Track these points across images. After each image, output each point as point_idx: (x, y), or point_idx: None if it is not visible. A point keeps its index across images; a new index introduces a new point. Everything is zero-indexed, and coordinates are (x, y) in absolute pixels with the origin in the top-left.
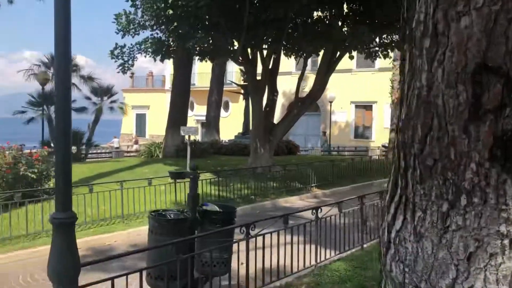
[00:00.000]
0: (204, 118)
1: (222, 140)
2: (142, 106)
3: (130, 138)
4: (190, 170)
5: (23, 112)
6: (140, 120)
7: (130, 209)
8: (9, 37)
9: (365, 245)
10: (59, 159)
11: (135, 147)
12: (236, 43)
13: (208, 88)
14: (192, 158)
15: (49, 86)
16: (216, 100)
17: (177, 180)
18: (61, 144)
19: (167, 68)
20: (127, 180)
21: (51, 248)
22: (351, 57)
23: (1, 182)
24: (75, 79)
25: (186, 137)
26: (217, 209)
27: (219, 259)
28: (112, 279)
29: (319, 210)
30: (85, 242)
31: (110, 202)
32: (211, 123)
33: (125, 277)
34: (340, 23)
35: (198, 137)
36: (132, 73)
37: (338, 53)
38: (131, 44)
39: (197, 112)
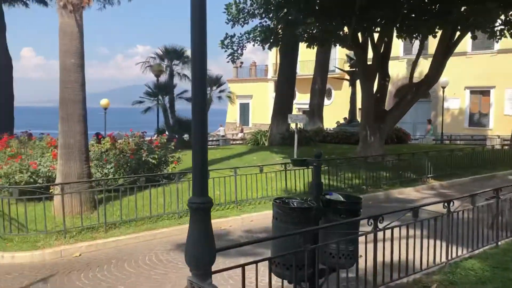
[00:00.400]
0: (305, 106)
1: (327, 128)
2: (246, 95)
3: (235, 127)
4: (314, 158)
5: (140, 102)
6: (244, 109)
7: (243, 195)
8: (125, 33)
9: (500, 243)
10: (196, 147)
11: (240, 135)
12: (346, 28)
13: (310, 76)
14: (298, 146)
15: (163, 78)
16: (319, 87)
17: (287, 168)
18: (199, 134)
19: (270, 57)
20: (239, 167)
21: (189, 233)
22: (474, 37)
23: (125, 167)
24: (186, 71)
25: (292, 125)
26: (341, 199)
27: (346, 251)
28: (242, 266)
29: (451, 203)
30: None
31: (225, 188)
32: (315, 111)
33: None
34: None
35: (300, 125)
36: (241, 62)
37: (458, 33)
38: (240, 34)
39: (299, 100)
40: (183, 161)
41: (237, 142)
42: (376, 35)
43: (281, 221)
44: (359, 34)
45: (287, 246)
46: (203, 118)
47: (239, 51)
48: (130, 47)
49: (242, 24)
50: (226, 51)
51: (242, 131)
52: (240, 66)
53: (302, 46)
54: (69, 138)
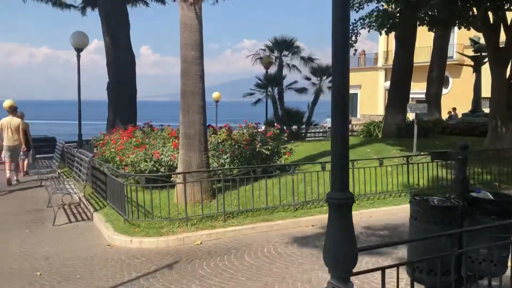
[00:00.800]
0: (419, 96)
1: (447, 119)
2: (354, 85)
3: None
4: (458, 149)
5: (251, 94)
6: (352, 99)
7: (361, 189)
8: (232, 29)
9: None
10: (337, 137)
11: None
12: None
13: (425, 64)
14: (416, 138)
15: (272, 69)
16: (437, 75)
17: (409, 162)
18: (339, 123)
19: (380, 45)
20: (355, 159)
21: (328, 231)
22: None
23: (240, 157)
24: (295, 61)
25: (409, 115)
26: (491, 197)
27: (497, 257)
28: (383, 269)
29: None
30: (318, 219)
31: None
32: (431, 100)
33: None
34: None
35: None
36: (355, 50)
37: None
38: (354, 20)
39: (412, 90)
40: (295, 152)
41: None
42: (510, 15)
43: (420, 220)
44: (490, 15)
45: (429, 248)
46: (344, 106)
47: (353, 38)
48: (237, 42)
49: (357, 9)
50: None
51: (350, 122)
52: (354, 54)
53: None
54: (190, 129)
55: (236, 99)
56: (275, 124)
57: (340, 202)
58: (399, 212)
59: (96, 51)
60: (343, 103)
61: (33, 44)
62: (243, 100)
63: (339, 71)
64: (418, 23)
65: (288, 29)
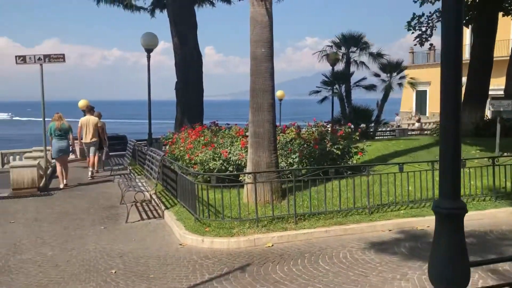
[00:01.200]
0: (497, 92)
1: None
2: (423, 82)
3: (409, 116)
4: None
5: (317, 91)
6: (421, 97)
7: (436, 192)
8: (293, 27)
9: None
10: (447, 138)
11: (416, 125)
12: None
13: (503, 58)
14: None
15: (338, 66)
16: None
17: (495, 163)
18: (451, 122)
19: None
20: (432, 160)
21: (435, 245)
22: None
23: (308, 157)
24: (363, 57)
25: (488, 113)
26: None
27: None
28: (510, 285)
29: None
30: (395, 224)
31: (420, 183)
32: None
33: None
34: None
35: (488, 114)
36: (431, 44)
37: None
38: (430, 13)
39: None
40: (367, 152)
41: (415, 132)
42: None
43: None
44: None
45: None
46: (456, 103)
47: (428, 32)
48: (299, 40)
49: (433, 1)
50: (413, 32)
51: (419, 120)
52: (429, 49)
53: None
54: (259, 128)
55: (297, 97)
56: (339, 123)
57: (451, 212)
58: (484, 217)
59: (162, 52)
60: (455, 99)
61: (104, 47)
62: (304, 99)
63: (451, 62)
64: (503, 13)
65: (352, 25)
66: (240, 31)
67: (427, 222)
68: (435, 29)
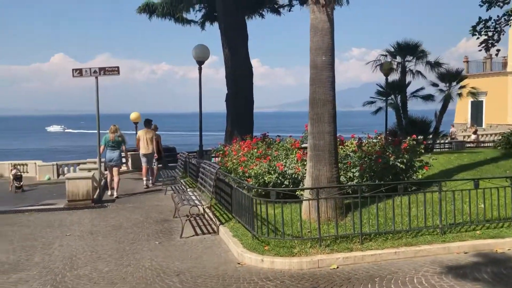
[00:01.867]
0: None
1: None
2: (479, 92)
3: (464, 128)
4: None
5: (371, 102)
6: (477, 107)
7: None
8: (338, 37)
9: None
10: None
11: (473, 137)
12: None
13: None
14: None
15: (393, 77)
16: None
17: None
18: None
19: (510, 47)
20: (506, 176)
21: None
22: None
23: (369, 171)
24: (419, 66)
25: None
26: None
27: None
28: None
29: None
30: (472, 246)
31: (498, 200)
32: None
33: None
34: None
35: None
36: (498, 50)
37: None
38: (497, 16)
39: None
40: (432, 165)
41: (472, 145)
42: None
43: None
44: None
45: None
46: None
47: (495, 37)
48: (345, 51)
49: (502, 4)
50: (478, 38)
51: (475, 132)
52: (496, 55)
53: None
54: (319, 140)
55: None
56: (395, 134)
57: None
58: None
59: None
60: None
61: (153, 61)
62: (351, 110)
63: None
64: None
65: (399, 35)
66: (287, 43)
67: (507, 244)
68: (503, 34)
